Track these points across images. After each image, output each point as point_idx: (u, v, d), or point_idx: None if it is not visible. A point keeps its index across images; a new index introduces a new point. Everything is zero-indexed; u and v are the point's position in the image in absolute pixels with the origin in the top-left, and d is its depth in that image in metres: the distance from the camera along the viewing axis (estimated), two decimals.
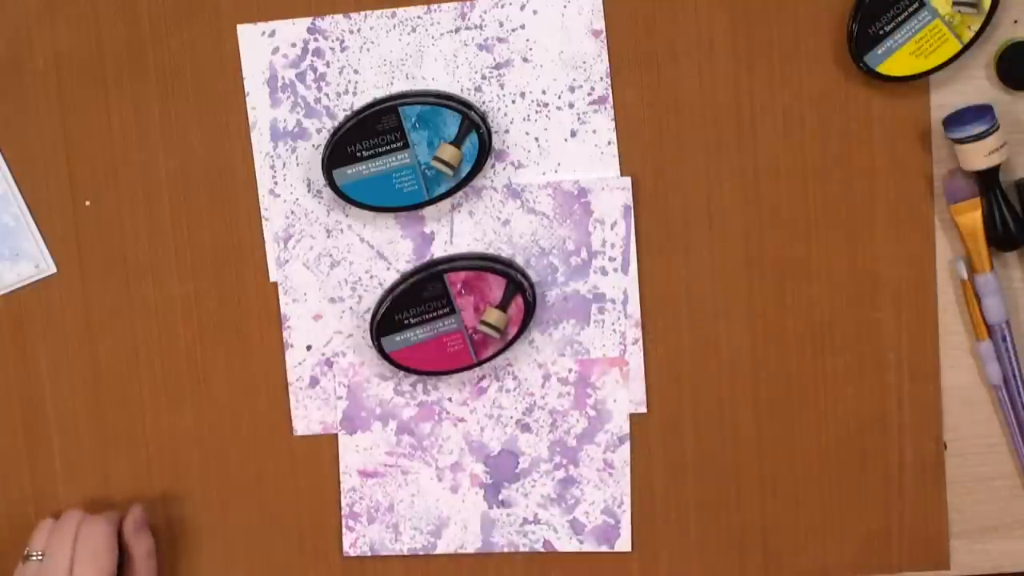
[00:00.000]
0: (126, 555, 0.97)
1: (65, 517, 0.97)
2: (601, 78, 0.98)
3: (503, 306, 0.97)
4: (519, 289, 0.97)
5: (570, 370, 1.00)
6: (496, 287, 0.97)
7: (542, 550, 1.02)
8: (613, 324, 0.99)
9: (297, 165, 0.99)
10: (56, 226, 1.01)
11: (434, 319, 0.98)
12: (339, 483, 1.02)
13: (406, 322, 0.97)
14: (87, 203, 1.01)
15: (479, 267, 0.97)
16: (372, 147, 0.96)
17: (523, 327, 0.98)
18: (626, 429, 1.00)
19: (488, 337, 0.98)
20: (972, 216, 0.96)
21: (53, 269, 1.02)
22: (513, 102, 0.98)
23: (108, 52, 1.00)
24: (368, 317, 1.00)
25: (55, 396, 1.03)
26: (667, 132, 0.99)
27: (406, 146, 0.96)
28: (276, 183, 1.00)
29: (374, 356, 1.00)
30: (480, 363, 0.99)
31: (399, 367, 0.99)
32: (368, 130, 0.96)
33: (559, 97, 0.98)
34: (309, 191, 0.99)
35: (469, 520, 1.02)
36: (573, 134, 0.98)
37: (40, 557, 0.95)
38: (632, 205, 0.98)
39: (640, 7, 0.97)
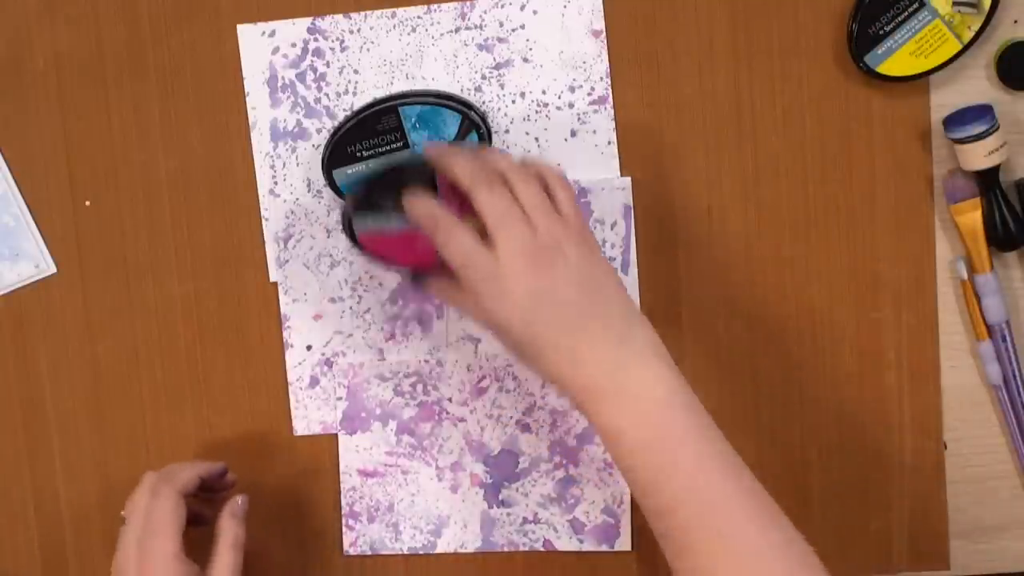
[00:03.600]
0: (215, 536, 0.94)
1: (141, 483, 0.93)
2: (601, 78, 0.98)
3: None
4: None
5: None
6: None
7: (542, 549, 1.02)
8: None
9: (297, 165, 0.99)
10: (56, 226, 1.01)
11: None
12: (339, 483, 1.02)
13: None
14: (87, 203, 1.01)
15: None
16: (372, 147, 0.96)
17: None
18: None
19: None
20: (972, 216, 0.97)
21: (53, 269, 1.02)
22: (513, 102, 0.98)
23: (108, 52, 1.00)
24: (368, 317, 1.00)
25: (55, 396, 1.03)
26: (667, 132, 0.99)
27: (406, 146, 0.96)
28: (276, 183, 1.00)
29: (374, 356, 1.00)
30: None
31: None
32: (368, 130, 0.96)
33: (559, 97, 0.98)
34: (309, 191, 0.99)
35: (469, 519, 1.02)
36: (573, 134, 0.98)
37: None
38: (632, 205, 0.98)
39: (640, 7, 0.98)
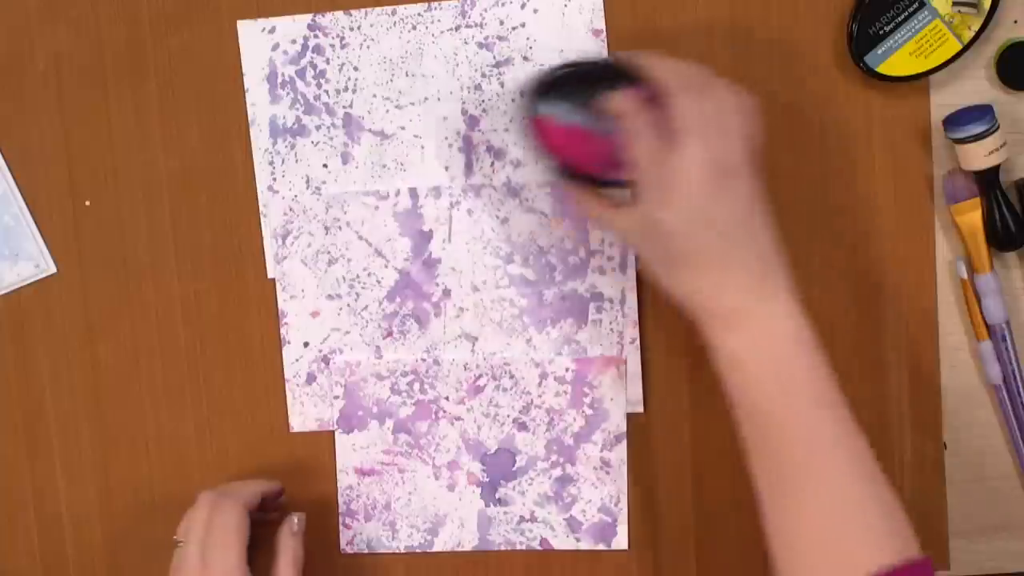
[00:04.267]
0: (274, 554, 0.94)
1: (198, 501, 0.93)
2: None
3: None
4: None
5: (567, 369, 1.00)
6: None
7: (539, 548, 1.02)
8: (611, 323, 0.99)
9: (296, 162, 0.99)
10: (56, 226, 1.01)
11: None
12: (336, 481, 1.02)
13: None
14: (87, 203, 1.01)
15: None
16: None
17: None
18: (623, 428, 1.00)
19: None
20: (972, 216, 0.96)
21: (53, 269, 1.02)
22: (513, 100, 0.98)
23: (108, 52, 1.00)
24: (365, 315, 1.00)
25: (55, 396, 1.03)
26: None
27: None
28: (275, 179, 1.00)
29: (372, 354, 1.00)
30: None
31: None
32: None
33: None
34: (308, 188, 0.99)
35: (466, 518, 1.02)
36: None
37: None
38: None
39: (640, 7, 0.98)
